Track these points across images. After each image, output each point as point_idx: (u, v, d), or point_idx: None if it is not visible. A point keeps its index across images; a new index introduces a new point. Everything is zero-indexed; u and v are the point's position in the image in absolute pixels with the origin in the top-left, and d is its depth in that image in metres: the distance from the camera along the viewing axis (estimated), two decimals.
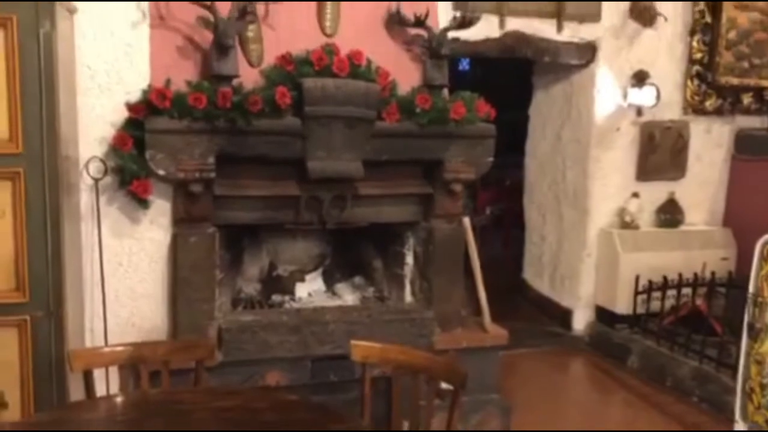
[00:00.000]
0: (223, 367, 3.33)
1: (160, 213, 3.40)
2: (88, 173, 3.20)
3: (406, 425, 2.58)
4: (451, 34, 3.67)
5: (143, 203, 3.30)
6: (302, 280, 4.04)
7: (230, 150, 3.28)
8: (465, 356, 3.66)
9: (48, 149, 2.64)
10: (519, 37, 4.66)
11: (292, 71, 3.32)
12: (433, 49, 3.55)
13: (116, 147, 3.20)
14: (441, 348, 3.61)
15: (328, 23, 3.58)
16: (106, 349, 2.41)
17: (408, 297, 3.90)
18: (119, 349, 2.39)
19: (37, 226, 2.67)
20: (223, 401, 2.28)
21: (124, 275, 3.40)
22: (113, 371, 2.75)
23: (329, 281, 4.16)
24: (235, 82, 3.27)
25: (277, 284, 4.01)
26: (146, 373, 2.37)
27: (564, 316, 5.34)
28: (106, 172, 3.23)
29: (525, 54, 4.78)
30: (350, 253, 4.24)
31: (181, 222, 3.36)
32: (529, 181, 5.99)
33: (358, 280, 4.19)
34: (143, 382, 2.37)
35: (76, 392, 2.86)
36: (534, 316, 5.62)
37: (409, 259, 3.89)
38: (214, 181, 3.30)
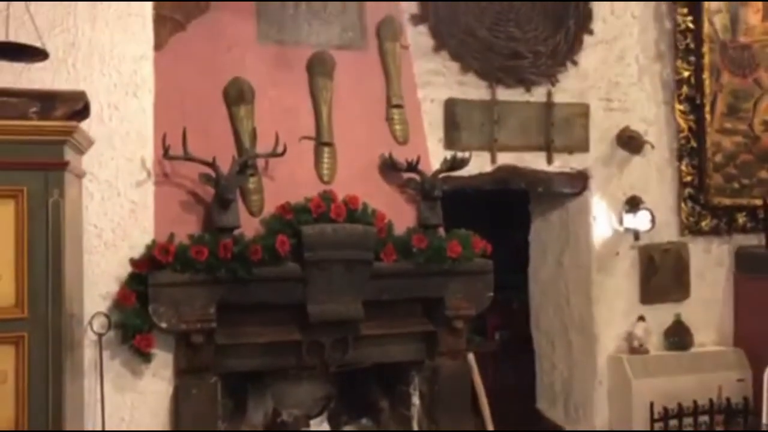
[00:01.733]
0: None
1: (162, 365, 3.41)
2: (92, 329, 3.25)
3: None
4: (447, 174, 3.82)
5: (146, 357, 3.32)
6: (307, 425, 3.97)
7: (231, 299, 3.34)
8: None
9: (53, 312, 2.70)
10: (511, 170, 4.80)
11: (291, 219, 3.45)
12: (426, 192, 3.69)
13: (119, 302, 3.27)
14: None
15: (325, 171, 3.75)
16: None
17: None
18: None
19: (39, 389, 2.67)
20: None
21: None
22: None
23: (335, 424, 4.08)
24: (236, 232, 3.39)
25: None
26: None
27: None
28: (109, 327, 3.28)
29: (518, 185, 4.92)
30: (356, 393, 4.18)
31: (183, 373, 3.37)
32: (534, 307, 5.96)
33: (365, 422, 4.11)
34: None
35: None
36: None
37: (416, 399, 3.85)
38: (215, 331, 3.34)
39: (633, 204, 5.05)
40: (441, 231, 3.79)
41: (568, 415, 5.40)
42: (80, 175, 3.20)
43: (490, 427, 3.70)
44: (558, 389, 5.56)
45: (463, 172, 4.43)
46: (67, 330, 2.82)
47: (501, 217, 6.73)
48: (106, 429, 3.24)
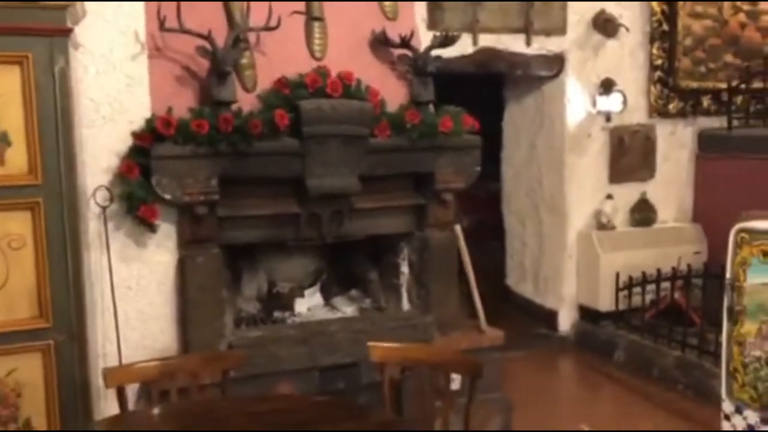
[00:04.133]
0: (234, 382, 3.41)
1: (165, 236, 3.51)
2: (96, 202, 3.30)
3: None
4: (434, 53, 3.87)
5: (151, 227, 3.41)
6: (301, 295, 4.17)
7: (232, 172, 3.42)
8: None
9: (66, 179, 2.75)
10: (491, 53, 4.89)
11: (288, 94, 3.48)
12: (419, 68, 3.75)
13: (123, 175, 3.31)
14: None
15: (316, 47, 3.76)
16: (138, 365, 2.51)
17: (405, 305, 4.06)
18: (150, 364, 2.49)
19: (57, 254, 2.76)
20: (257, 407, 2.40)
21: (134, 299, 3.49)
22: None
23: (326, 295, 4.28)
24: (233, 107, 3.42)
25: (276, 301, 4.13)
26: (176, 387, 2.48)
27: (549, 317, 5.54)
28: (112, 200, 3.33)
29: (498, 68, 5.02)
30: (346, 266, 4.38)
31: (188, 244, 3.48)
32: (506, 190, 6.21)
33: (354, 292, 4.32)
34: (173, 396, 2.47)
35: (98, 413, 2.95)
36: (520, 319, 5.79)
37: (405, 269, 4.05)
38: (218, 203, 3.43)
39: (606, 86, 5.22)
40: (431, 108, 3.88)
41: (537, 289, 5.77)
42: (75, 46, 3.15)
43: (475, 292, 3.96)
44: (528, 265, 5.90)
45: (446, 54, 4.49)
46: (79, 197, 2.88)
47: (465, 108, 6.76)
48: (115, 298, 3.36)
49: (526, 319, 5.77)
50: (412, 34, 3.73)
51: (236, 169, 3.42)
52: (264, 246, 4.00)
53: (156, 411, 2.35)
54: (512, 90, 5.91)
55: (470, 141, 3.84)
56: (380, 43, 3.82)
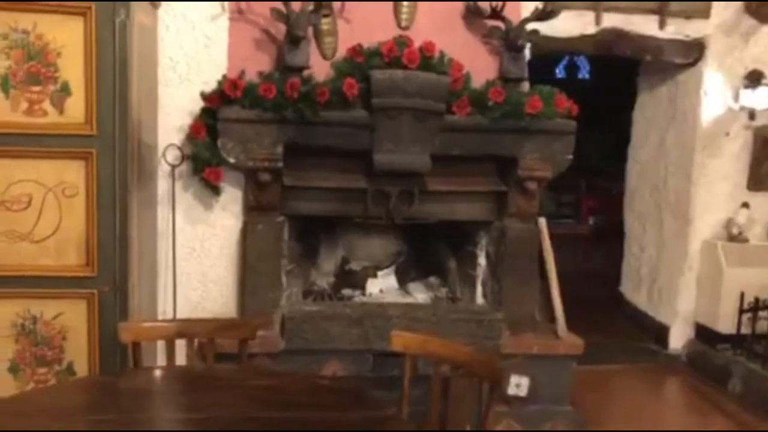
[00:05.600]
0: (285, 355, 3.37)
1: (231, 200, 3.51)
2: (166, 160, 3.35)
3: (468, 427, 2.48)
4: (532, 26, 3.53)
5: (215, 190, 3.41)
6: (374, 276, 4.02)
7: (298, 140, 3.32)
8: (535, 363, 3.51)
9: (120, 133, 2.77)
10: (617, 34, 4.40)
11: (362, 63, 3.32)
12: (510, 41, 3.43)
13: (191, 135, 3.33)
14: (508, 352, 3.47)
15: (404, 16, 3.56)
16: (154, 324, 2.49)
17: (479, 298, 3.79)
18: (167, 324, 2.47)
19: (107, 206, 2.80)
20: (260, 380, 2.30)
21: (197, 260, 3.53)
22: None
23: (403, 279, 4.10)
24: (306, 73, 3.32)
25: (349, 278, 4.02)
26: (191, 347, 2.43)
27: (660, 332, 4.98)
28: (182, 160, 3.37)
29: (623, 52, 4.51)
30: (425, 252, 4.17)
31: (251, 210, 3.45)
32: (629, 188, 5.66)
33: (432, 279, 4.11)
34: (190, 356, 2.43)
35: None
36: (629, 331, 5.29)
37: (482, 260, 3.77)
38: (282, 171, 3.35)
39: (753, 78, 4.55)
40: (525, 86, 3.55)
41: (651, 299, 5.22)
42: (156, 5, 3.20)
43: (555, 291, 3.59)
44: (644, 273, 5.35)
45: (563, 33, 4.11)
46: (135, 154, 2.92)
47: (613, 104, 6.22)
48: (177, 257, 3.41)
49: (635, 332, 5.24)
50: (503, 5, 3.41)
51: (302, 138, 3.32)
52: (343, 222, 3.91)
53: (157, 371, 2.31)
54: (646, 78, 5.35)
55: (563, 125, 3.46)
56: (471, 13, 3.54)
